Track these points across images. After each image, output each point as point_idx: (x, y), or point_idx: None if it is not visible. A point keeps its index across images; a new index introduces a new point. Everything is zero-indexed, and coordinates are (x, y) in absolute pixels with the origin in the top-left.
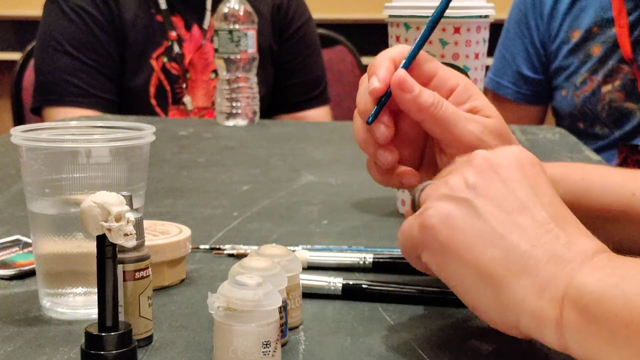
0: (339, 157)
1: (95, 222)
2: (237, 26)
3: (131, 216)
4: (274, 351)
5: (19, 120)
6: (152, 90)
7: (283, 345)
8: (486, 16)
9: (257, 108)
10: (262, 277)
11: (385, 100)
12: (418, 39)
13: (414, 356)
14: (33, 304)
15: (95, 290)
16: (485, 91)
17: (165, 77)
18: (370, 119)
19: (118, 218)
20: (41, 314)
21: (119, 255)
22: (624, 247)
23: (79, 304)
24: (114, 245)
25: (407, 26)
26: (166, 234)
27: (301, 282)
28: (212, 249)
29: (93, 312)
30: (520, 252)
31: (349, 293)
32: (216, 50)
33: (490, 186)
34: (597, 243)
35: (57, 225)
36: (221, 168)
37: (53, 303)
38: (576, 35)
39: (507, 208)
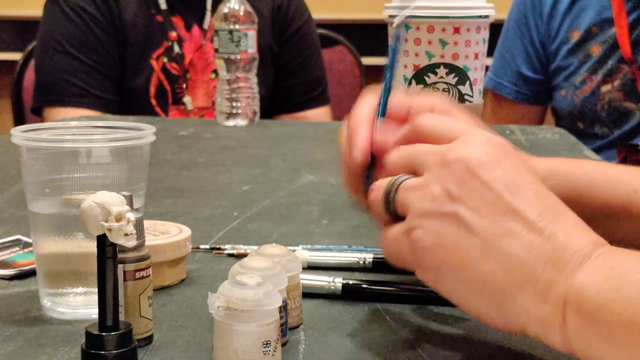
0: (339, 157)
1: (96, 222)
2: (237, 26)
3: (131, 216)
4: (274, 351)
5: (19, 120)
6: (152, 90)
7: (283, 345)
8: (486, 16)
9: (257, 108)
10: (262, 277)
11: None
12: (383, 87)
13: (414, 356)
14: (33, 303)
15: (96, 290)
16: (485, 91)
17: (165, 77)
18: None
19: (118, 218)
20: (41, 313)
21: (120, 255)
22: (624, 244)
23: (80, 304)
24: (114, 245)
25: (407, 26)
26: (166, 234)
27: (301, 282)
28: (212, 249)
29: (93, 312)
30: (517, 261)
31: (349, 293)
32: (216, 51)
33: (474, 194)
34: (593, 237)
35: (58, 225)
36: (221, 168)
37: (53, 303)
38: (576, 35)
39: (496, 214)
